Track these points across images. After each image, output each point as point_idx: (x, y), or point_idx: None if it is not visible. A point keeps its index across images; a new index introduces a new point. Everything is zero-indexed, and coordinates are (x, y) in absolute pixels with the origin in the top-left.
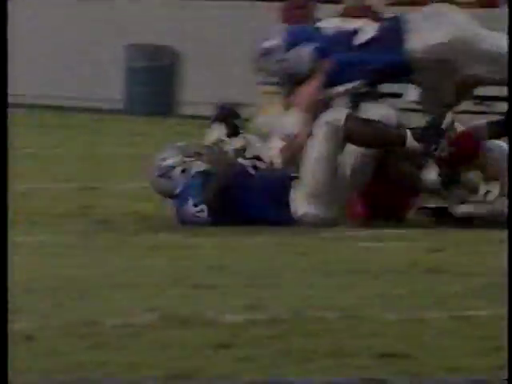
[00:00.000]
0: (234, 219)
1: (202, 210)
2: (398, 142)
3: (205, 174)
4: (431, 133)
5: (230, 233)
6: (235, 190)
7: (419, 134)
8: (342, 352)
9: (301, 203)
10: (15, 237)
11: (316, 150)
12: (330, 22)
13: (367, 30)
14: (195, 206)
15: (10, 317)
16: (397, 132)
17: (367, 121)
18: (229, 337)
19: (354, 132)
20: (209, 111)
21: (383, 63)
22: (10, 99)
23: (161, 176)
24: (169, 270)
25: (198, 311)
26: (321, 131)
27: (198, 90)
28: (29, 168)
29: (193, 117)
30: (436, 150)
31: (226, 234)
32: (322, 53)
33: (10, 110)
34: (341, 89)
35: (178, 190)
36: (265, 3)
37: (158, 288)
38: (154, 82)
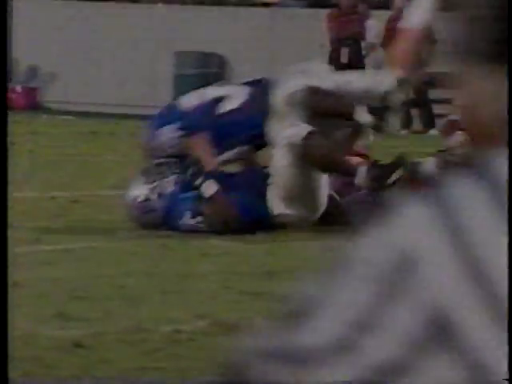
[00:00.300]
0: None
1: (200, 222)
2: (351, 173)
3: (195, 185)
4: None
5: (281, 237)
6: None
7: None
8: None
9: (276, 203)
10: (67, 244)
11: (279, 160)
12: (192, 96)
13: (231, 97)
14: (193, 217)
15: (62, 324)
16: (348, 164)
17: (327, 144)
18: None
19: (312, 153)
20: None
21: (245, 135)
22: (60, 106)
23: (144, 213)
24: (218, 277)
25: (248, 317)
26: (280, 147)
27: None
28: (79, 175)
29: None
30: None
31: (276, 238)
32: (186, 130)
33: (59, 118)
34: (225, 157)
35: (165, 212)
36: (314, 10)
37: (207, 294)
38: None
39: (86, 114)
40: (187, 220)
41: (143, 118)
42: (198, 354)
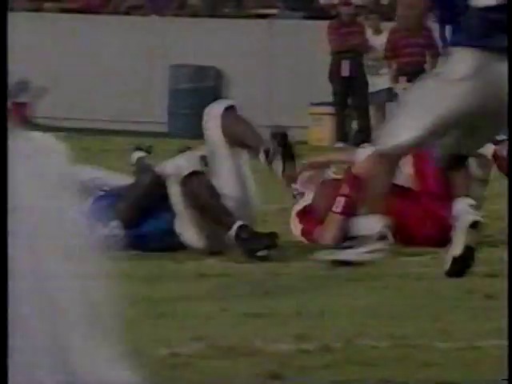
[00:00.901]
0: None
1: (114, 227)
2: (226, 226)
3: (103, 198)
4: None
5: (279, 258)
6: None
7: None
8: (395, 382)
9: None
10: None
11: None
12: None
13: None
14: (105, 226)
15: None
16: (226, 217)
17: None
18: (279, 366)
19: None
20: None
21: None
22: (50, 122)
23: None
24: (215, 297)
25: (247, 340)
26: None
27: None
28: None
29: None
30: None
31: (275, 257)
32: None
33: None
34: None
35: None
36: (313, 22)
37: (205, 316)
38: (198, 104)
39: (77, 130)
40: (100, 231)
41: (137, 134)
42: (195, 378)
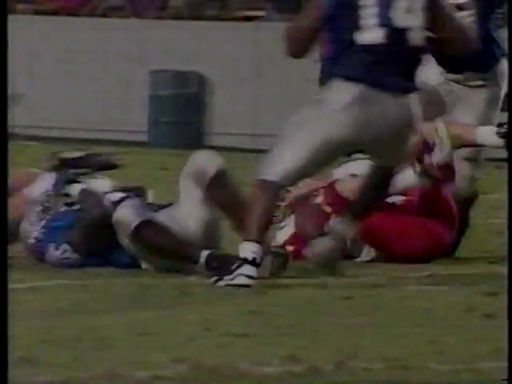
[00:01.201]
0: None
1: (65, 250)
2: (192, 259)
3: (58, 218)
4: None
5: (263, 276)
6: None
7: None
8: None
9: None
10: (30, 282)
11: None
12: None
13: None
14: (56, 249)
15: (29, 370)
16: (190, 252)
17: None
18: None
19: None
20: (239, 142)
21: None
22: (24, 131)
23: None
24: (199, 317)
25: (231, 362)
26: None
27: (228, 120)
28: None
29: (224, 148)
30: None
31: (259, 276)
32: None
33: (22, 143)
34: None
35: (35, 235)
36: None
37: (187, 336)
38: (180, 111)
39: (52, 140)
40: (53, 252)
41: (115, 143)
42: None
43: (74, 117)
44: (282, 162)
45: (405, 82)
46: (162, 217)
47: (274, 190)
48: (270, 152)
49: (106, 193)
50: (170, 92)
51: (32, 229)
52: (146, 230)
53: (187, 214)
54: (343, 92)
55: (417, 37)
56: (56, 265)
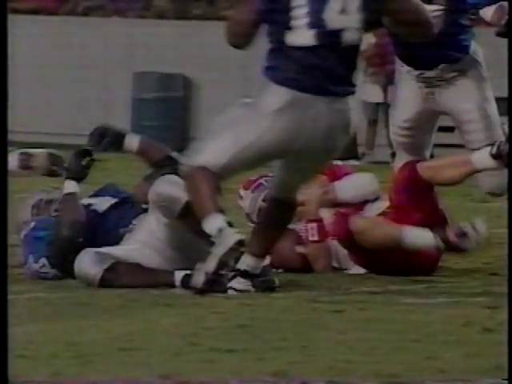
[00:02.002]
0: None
1: (44, 265)
2: (167, 283)
3: (42, 227)
4: None
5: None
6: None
7: None
8: None
9: None
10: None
11: None
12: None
13: None
14: (36, 262)
15: None
16: (164, 278)
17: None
18: None
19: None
20: None
21: None
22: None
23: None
24: (185, 331)
25: (218, 378)
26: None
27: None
28: None
29: None
30: None
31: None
32: None
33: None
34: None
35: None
36: None
37: (172, 352)
38: (165, 115)
39: (33, 146)
40: (31, 265)
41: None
42: None
43: (54, 121)
44: (211, 152)
45: (339, 86)
46: (124, 252)
47: (206, 173)
48: (200, 141)
49: (90, 204)
50: (155, 95)
51: (22, 227)
52: (113, 275)
53: (153, 239)
54: (275, 97)
55: (352, 38)
56: (34, 277)
